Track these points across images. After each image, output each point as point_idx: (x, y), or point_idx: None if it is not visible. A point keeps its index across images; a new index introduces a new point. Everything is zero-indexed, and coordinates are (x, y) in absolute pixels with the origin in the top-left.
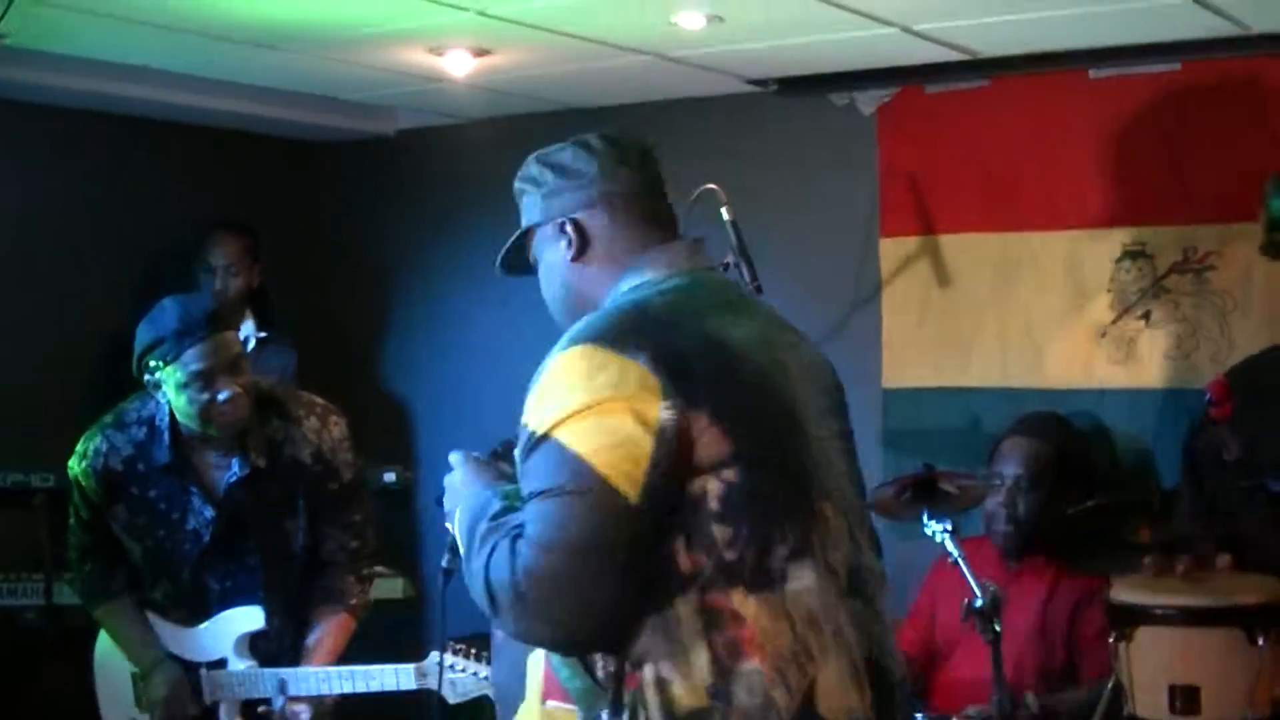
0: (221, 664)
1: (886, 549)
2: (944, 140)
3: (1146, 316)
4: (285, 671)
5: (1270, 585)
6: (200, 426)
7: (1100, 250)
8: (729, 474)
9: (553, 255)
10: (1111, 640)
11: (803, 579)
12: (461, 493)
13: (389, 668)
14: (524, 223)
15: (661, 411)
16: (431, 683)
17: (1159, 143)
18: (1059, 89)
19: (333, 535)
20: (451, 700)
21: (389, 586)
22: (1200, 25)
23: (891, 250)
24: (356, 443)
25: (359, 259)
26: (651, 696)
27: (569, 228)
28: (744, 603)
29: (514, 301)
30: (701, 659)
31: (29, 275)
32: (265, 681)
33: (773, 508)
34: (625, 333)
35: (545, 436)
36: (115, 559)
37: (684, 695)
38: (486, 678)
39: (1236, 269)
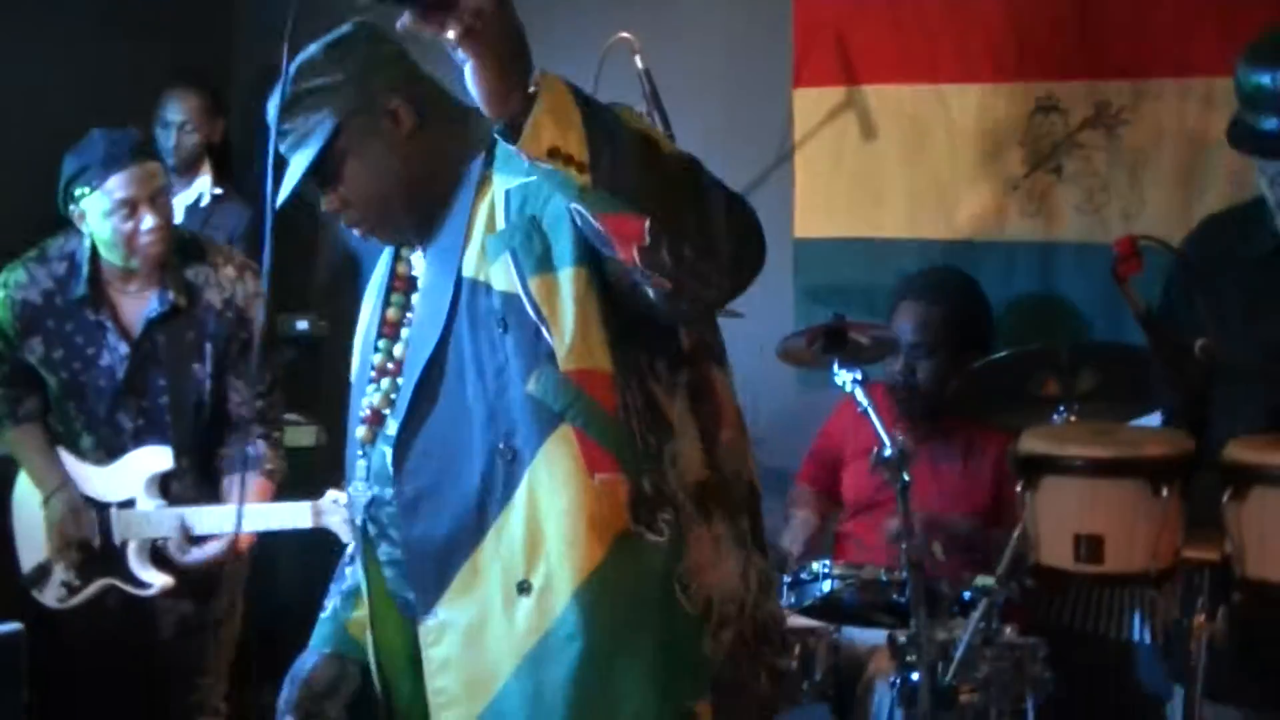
0: (131, 504)
1: (797, 398)
2: None
3: (1058, 171)
4: (184, 510)
5: (1176, 438)
6: (121, 258)
7: (1013, 104)
8: None
9: (378, 143)
10: (1018, 489)
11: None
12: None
13: (284, 506)
14: (324, 126)
15: None
16: (326, 520)
17: None
18: None
19: (238, 389)
20: (345, 539)
21: (302, 434)
22: None
23: (805, 101)
24: (295, 294)
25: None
26: (671, 470)
27: (395, 103)
28: (716, 375)
29: None
30: (694, 433)
31: None
32: (167, 521)
33: None
34: None
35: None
36: (26, 388)
37: (691, 469)
38: None
39: (1148, 126)
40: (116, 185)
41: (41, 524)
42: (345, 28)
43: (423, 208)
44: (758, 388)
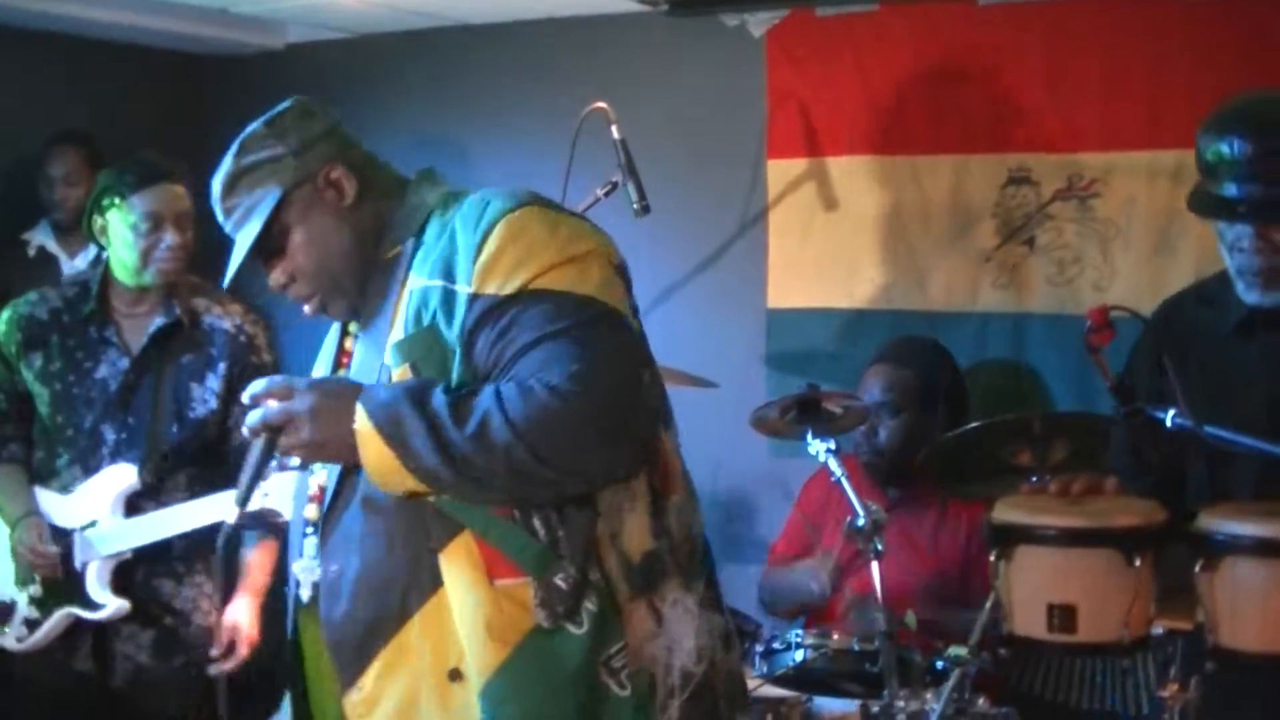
0: (93, 526)
1: (771, 467)
2: (833, 64)
3: (1030, 242)
4: (152, 515)
5: (1147, 508)
6: (136, 272)
7: (986, 176)
8: (636, 322)
9: (322, 213)
10: (992, 559)
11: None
12: (339, 403)
13: (212, 498)
14: (268, 199)
15: (615, 257)
16: (272, 502)
17: (1045, 71)
18: (947, 16)
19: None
20: (286, 515)
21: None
22: None
23: (778, 172)
24: None
25: None
26: (608, 550)
27: (337, 173)
28: (666, 440)
29: None
30: (644, 500)
31: None
32: (129, 532)
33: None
34: (541, 196)
35: (523, 291)
36: (11, 431)
37: (635, 540)
38: None
39: (1120, 197)
40: (144, 199)
41: (7, 563)
42: (283, 104)
43: (368, 277)
44: (730, 456)
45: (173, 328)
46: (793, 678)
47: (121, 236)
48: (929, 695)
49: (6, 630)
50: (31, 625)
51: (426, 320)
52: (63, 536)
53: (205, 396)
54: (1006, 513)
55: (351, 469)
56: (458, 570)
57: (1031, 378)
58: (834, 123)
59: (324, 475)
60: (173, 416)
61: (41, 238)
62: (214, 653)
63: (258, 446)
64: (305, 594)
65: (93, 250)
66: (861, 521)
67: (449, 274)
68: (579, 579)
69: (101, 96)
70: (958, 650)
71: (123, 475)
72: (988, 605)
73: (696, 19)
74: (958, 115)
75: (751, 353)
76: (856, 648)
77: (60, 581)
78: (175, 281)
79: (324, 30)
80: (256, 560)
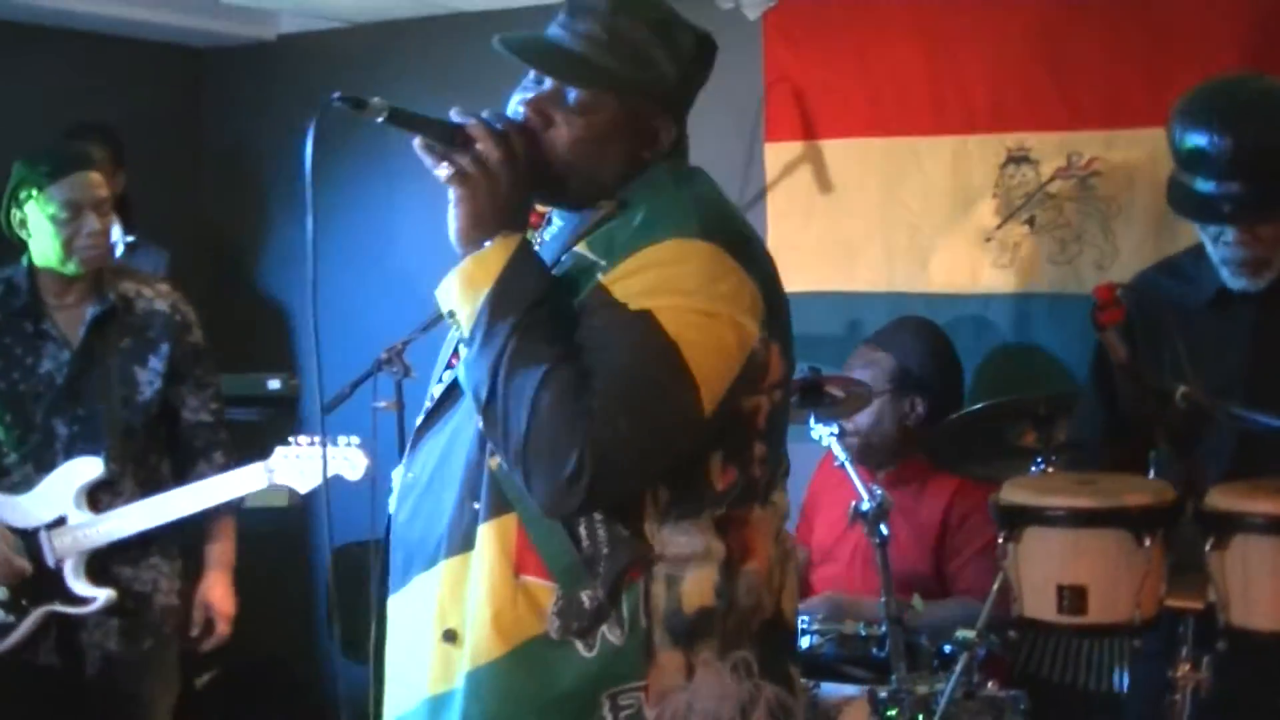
0: (61, 521)
1: None
2: (829, 45)
3: (1031, 222)
4: (132, 506)
5: (1157, 487)
6: (61, 261)
7: (985, 155)
8: (776, 396)
9: (619, 132)
10: (1000, 540)
11: (781, 491)
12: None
13: (236, 473)
14: (624, 82)
15: (757, 341)
16: (280, 477)
17: (1043, 49)
18: None
19: (192, 394)
20: (302, 490)
21: (273, 495)
22: None
23: (776, 155)
24: (240, 349)
25: (238, 165)
26: (659, 591)
27: (669, 130)
28: (757, 514)
29: (393, 207)
30: (717, 559)
31: None
32: (106, 526)
33: (785, 427)
34: (744, 242)
35: (643, 312)
36: None
37: (693, 593)
38: (334, 456)
39: (1120, 175)
40: (61, 190)
41: None
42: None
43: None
44: None
45: (109, 314)
46: (799, 664)
47: (42, 228)
48: (936, 679)
49: None
50: (4, 629)
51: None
52: (27, 537)
53: (151, 379)
54: (1015, 494)
55: (453, 389)
56: (489, 549)
57: (1034, 357)
58: (832, 104)
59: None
60: (122, 403)
61: None
62: (194, 633)
63: (428, 127)
64: (394, 498)
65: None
66: (866, 505)
67: (606, 250)
68: (605, 604)
69: (94, 89)
70: (965, 633)
71: (87, 468)
72: (994, 587)
73: (692, 1)
74: (956, 95)
75: None
76: (863, 633)
77: (31, 582)
78: (101, 268)
79: (316, 20)
80: (218, 536)
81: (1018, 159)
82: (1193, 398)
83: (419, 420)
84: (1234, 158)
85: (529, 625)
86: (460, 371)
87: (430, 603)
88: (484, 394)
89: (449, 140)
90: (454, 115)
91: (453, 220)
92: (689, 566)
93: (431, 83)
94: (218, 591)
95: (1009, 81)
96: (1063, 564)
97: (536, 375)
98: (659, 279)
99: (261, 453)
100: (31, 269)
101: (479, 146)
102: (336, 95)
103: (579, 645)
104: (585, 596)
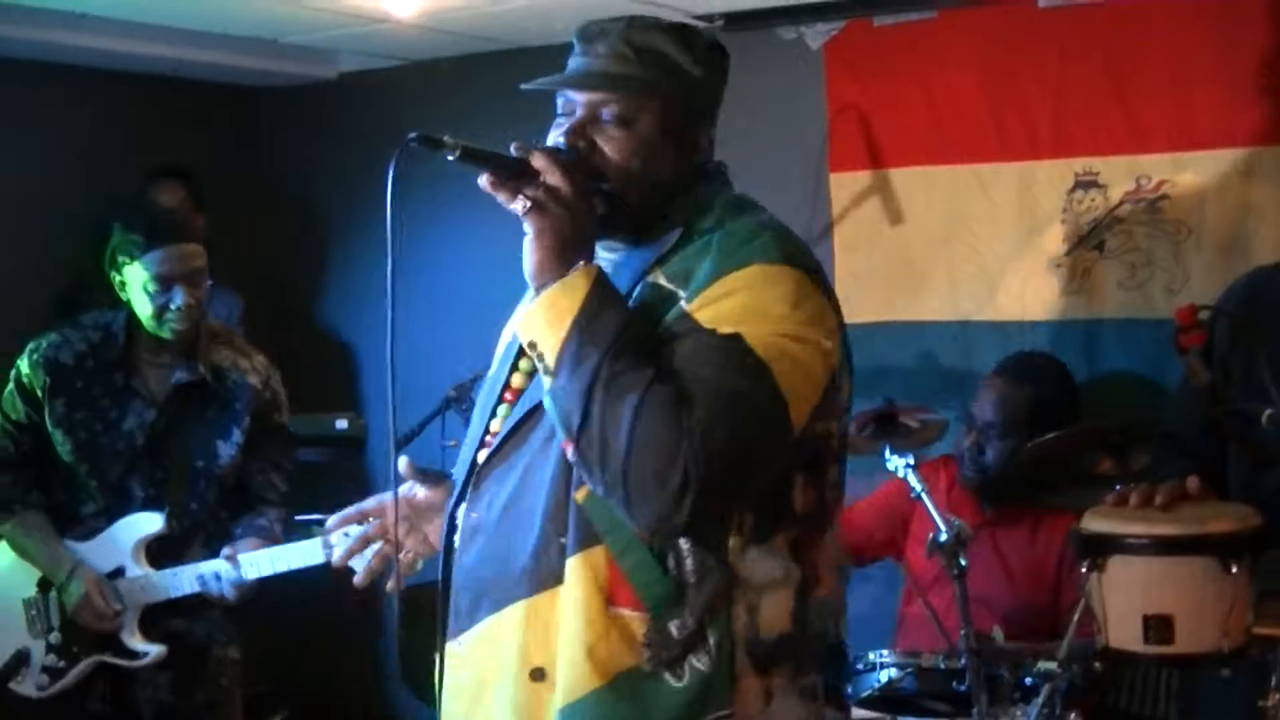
0: (119, 573)
1: (846, 485)
2: (892, 73)
3: (1100, 247)
4: (185, 568)
5: (1242, 513)
6: (153, 327)
7: (1052, 181)
8: (845, 420)
9: (664, 139)
10: (1084, 570)
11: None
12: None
13: (294, 545)
14: (655, 88)
15: (837, 364)
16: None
17: (1109, 72)
18: (1007, 20)
19: (264, 470)
20: (359, 569)
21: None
22: None
23: (841, 185)
24: (306, 390)
25: (301, 205)
26: (741, 617)
27: (709, 135)
28: (824, 537)
29: (458, 245)
30: (793, 585)
31: None
32: (166, 583)
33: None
34: (819, 269)
35: (733, 335)
36: (32, 474)
37: (772, 619)
38: None
39: (1189, 198)
40: (155, 261)
41: (19, 612)
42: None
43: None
44: None
45: (196, 383)
46: (878, 699)
47: (136, 294)
48: (1018, 712)
49: (21, 680)
50: (55, 674)
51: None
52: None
53: (229, 450)
54: (1096, 523)
55: (524, 423)
56: (580, 582)
57: (1106, 384)
58: (896, 133)
59: (500, 422)
60: (199, 474)
61: None
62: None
63: (499, 163)
64: (458, 537)
65: None
66: (944, 537)
67: (685, 280)
68: (694, 632)
69: (155, 131)
70: (1047, 664)
71: (148, 523)
72: (1075, 617)
73: (753, 33)
74: (1021, 120)
75: None
76: (943, 666)
77: (84, 630)
78: (195, 336)
79: (377, 59)
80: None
81: (1085, 184)
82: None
83: (479, 458)
84: None
85: (623, 657)
86: (546, 402)
87: (509, 643)
88: (577, 420)
89: (518, 174)
90: (515, 149)
91: (531, 253)
92: (767, 591)
93: (493, 118)
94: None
95: (1075, 105)
96: (1147, 593)
97: (634, 397)
98: (746, 303)
99: (328, 495)
100: (130, 321)
101: (549, 179)
102: (413, 135)
103: (668, 676)
104: (674, 626)
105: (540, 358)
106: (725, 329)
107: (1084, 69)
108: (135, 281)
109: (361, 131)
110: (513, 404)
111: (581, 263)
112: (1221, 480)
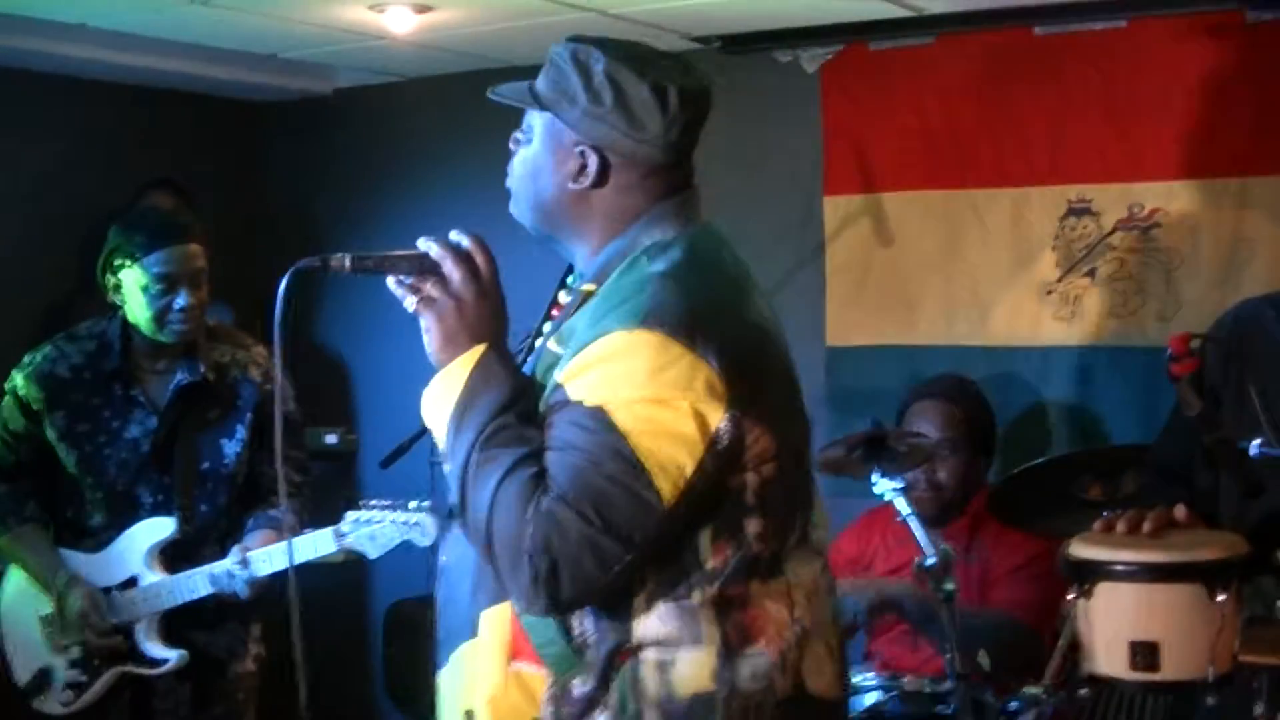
0: (133, 582)
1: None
2: (888, 98)
3: (1092, 274)
4: (198, 570)
5: (1230, 540)
6: (152, 331)
7: (1045, 207)
8: (768, 469)
9: (550, 159)
10: (1070, 597)
11: (802, 563)
12: (480, 321)
13: (306, 536)
14: (546, 104)
15: (722, 421)
16: (351, 542)
17: (1104, 100)
18: (1004, 46)
19: (272, 464)
20: (373, 555)
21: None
22: None
23: (835, 208)
24: (325, 408)
25: (296, 218)
26: (650, 676)
27: (592, 160)
28: (757, 590)
29: None
30: (713, 644)
31: None
32: (180, 587)
33: (794, 498)
34: (696, 322)
35: (596, 408)
36: (30, 485)
37: (688, 678)
38: (406, 522)
39: (1182, 226)
40: (156, 261)
41: (37, 629)
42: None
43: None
44: None
45: (198, 384)
46: None
47: (134, 297)
48: None
49: (45, 698)
50: (78, 688)
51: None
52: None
53: (235, 449)
54: (1084, 549)
55: None
56: (488, 636)
57: (1096, 410)
58: (891, 157)
59: None
60: (206, 475)
61: None
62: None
63: (406, 261)
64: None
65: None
66: (931, 560)
67: (567, 342)
68: (595, 690)
69: (152, 143)
70: (1032, 690)
71: (159, 528)
72: (1061, 642)
73: (750, 55)
74: (1016, 146)
75: (811, 392)
76: (929, 689)
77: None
78: (193, 337)
79: (373, 74)
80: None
81: (1078, 210)
82: (1270, 449)
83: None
84: None
85: (524, 712)
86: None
87: (453, 684)
88: (457, 503)
89: (418, 270)
90: (419, 243)
91: (426, 345)
92: (680, 650)
93: (486, 135)
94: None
95: (1069, 131)
96: (1135, 620)
97: (491, 484)
98: (607, 375)
99: (317, 510)
100: (125, 330)
101: (444, 269)
102: (301, 262)
103: None
104: (575, 684)
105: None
106: (590, 401)
107: (1079, 95)
108: (134, 284)
109: (358, 146)
110: None
111: (471, 346)
112: (1212, 508)
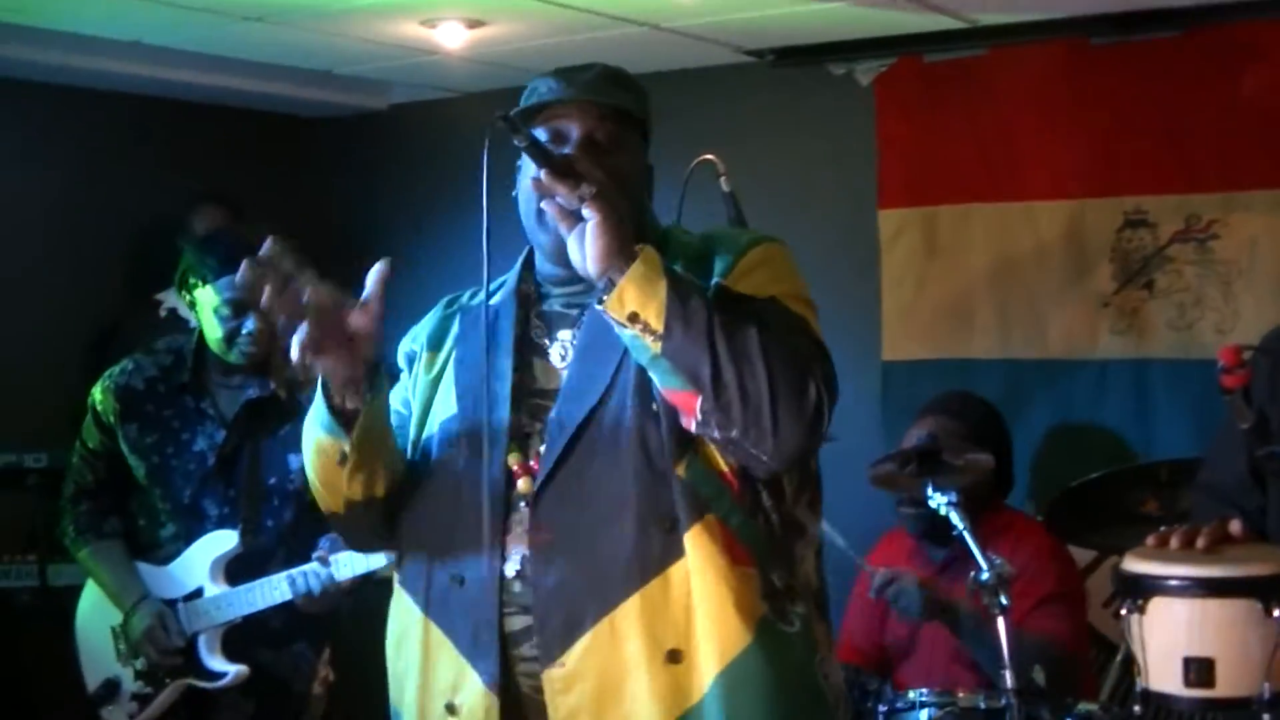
0: (198, 594)
1: (879, 522)
2: (942, 110)
3: (1149, 286)
4: (259, 582)
5: None
6: (221, 350)
7: (1102, 219)
8: None
9: (639, 173)
10: (1124, 613)
11: None
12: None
13: (295, 571)
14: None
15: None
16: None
17: (1161, 110)
18: (1059, 57)
19: None
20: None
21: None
22: None
23: (890, 222)
24: None
25: (351, 234)
26: (808, 569)
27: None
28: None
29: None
30: (815, 545)
31: (19, 255)
32: (244, 598)
33: None
34: None
35: (773, 299)
36: (110, 502)
37: (812, 571)
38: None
39: (1240, 237)
40: (226, 286)
41: (109, 640)
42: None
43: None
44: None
45: (267, 399)
46: None
47: (207, 317)
48: None
49: (113, 709)
50: (143, 700)
51: None
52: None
53: (298, 467)
54: (1138, 564)
55: (582, 435)
56: (702, 551)
57: (1154, 424)
58: (945, 170)
59: (534, 454)
60: (271, 490)
61: (173, 300)
62: None
63: (552, 160)
64: (510, 568)
65: None
66: (986, 575)
67: (703, 275)
68: (790, 581)
69: (208, 160)
70: (1088, 706)
71: (222, 541)
72: (1118, 659)
73: (803, 69)
74: (1071, 158)
75: (866, 406)
76: (983, 705)
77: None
78: (267, 355)
79: (427, 90)
80: None
81: (1135, 222)
82: None
83: (520, 487)
84: None
85: (755, 608)
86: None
87: (632, 637)
88: (707, 368)
89: (567, 174)
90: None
91: (596, 239)
92: (810, 545)
93: None
94: None
95: (1125, 143)
96: (1189, 636)
97: (752, 330)
98: (772, 274)
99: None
100: (200, 345)
101: (596, 176)
102: (501, 113)
103: (783, 625)
104: (776, 577)
105: (645, 326)
106: (764, 295)
107: (1134, 106)
108: (206, 305)
109: (413, 161)
110: (528, 439)
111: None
112: (1260, 528)
